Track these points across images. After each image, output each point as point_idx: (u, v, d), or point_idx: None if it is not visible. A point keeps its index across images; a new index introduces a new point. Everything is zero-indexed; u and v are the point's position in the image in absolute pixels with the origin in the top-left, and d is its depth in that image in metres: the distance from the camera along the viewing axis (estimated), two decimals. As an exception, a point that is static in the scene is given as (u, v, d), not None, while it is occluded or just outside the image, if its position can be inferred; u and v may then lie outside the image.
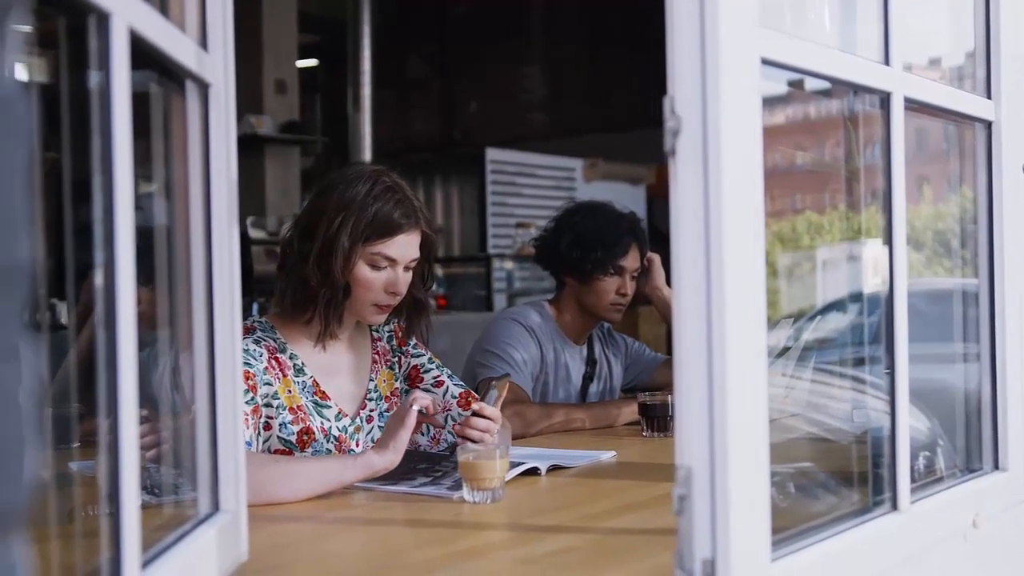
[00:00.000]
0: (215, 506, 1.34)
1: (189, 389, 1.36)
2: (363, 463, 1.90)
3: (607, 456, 2.30)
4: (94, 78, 0.97)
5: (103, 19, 0.95)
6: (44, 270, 0.84)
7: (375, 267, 2.12)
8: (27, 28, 0.62)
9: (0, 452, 0.54)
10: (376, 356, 2.31)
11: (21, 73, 0.59)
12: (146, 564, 1.06)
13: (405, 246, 2.14)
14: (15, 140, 0.57)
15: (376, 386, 2.28)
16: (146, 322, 1.17)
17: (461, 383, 2.35)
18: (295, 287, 2.15)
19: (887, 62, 1.48)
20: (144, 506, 1.03)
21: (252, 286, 5.23)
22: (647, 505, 1.83)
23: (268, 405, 2.08)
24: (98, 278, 0.96)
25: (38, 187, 0.61)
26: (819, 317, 2.54)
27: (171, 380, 1.44)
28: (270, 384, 2.09)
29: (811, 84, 1.51)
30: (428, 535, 1.67)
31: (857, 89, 1.52)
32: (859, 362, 1.95)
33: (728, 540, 1.13)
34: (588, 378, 3.06)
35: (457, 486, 1.87)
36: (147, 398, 1.22)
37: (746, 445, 1.16)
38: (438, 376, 2.34)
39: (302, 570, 1.52)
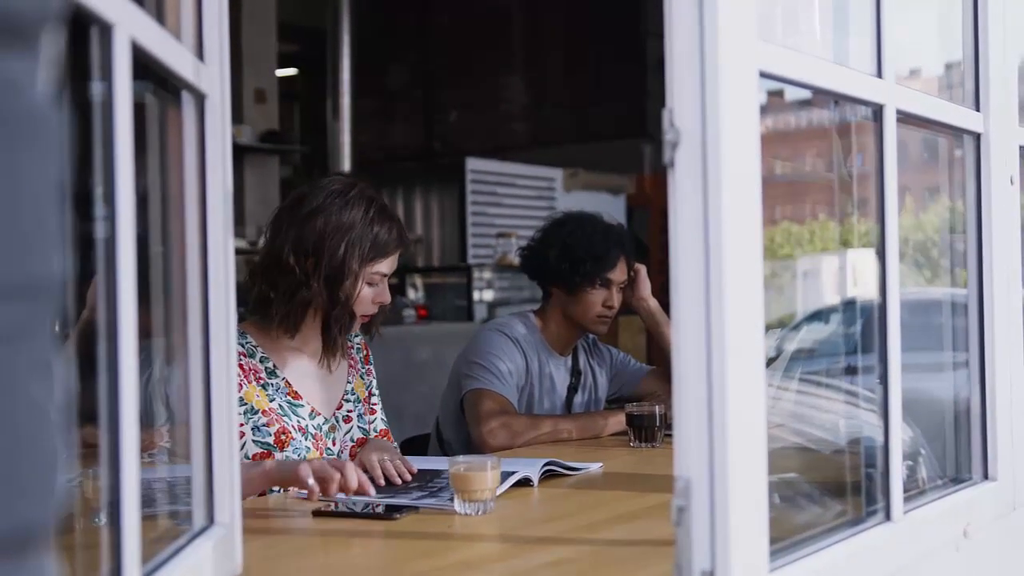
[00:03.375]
0: (210, 519, 1.33)
1: (183, 400, 1.35)
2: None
3: (595, 467, 2.30)
4: (95, 88, 0.96)
5: (106, 30, 0.94)
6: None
7: (371, 284, 2.23)
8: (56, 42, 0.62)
9: (33, 469, 0.53)
10: (351, 362, 2.39)
11: (53, 85, 0.59)
12: (144, 578, 1.05)
13: (396, 261, 2.28)
14: (49, 155, 0.57)
15: (353, 389, 2.36)
16: (139, 333, 1.16)
17: (386, 420, 2.44)
18: (299, 308, 2.19)
19: (879, 75, 1.49)
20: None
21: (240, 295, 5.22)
22: (640, 516, 1.83)
23: None
24: (100, 290, 0.95)
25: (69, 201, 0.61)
26: (801, 327, 2.55)
27: (159, 389, 1.44)
28: None
29: (791, 95, 1.52)
30: (421, 547, 1.66)
31: (851, 101, 1.53)
32: (843, 372, 1.95)
33: (728, 551, 1.13)
34: (573, 389, 3.06)
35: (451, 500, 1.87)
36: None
37: (745, 456, 1.16)
38: (375, 404, 2.44)
39: (295, 583, 1.51)
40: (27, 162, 0.56)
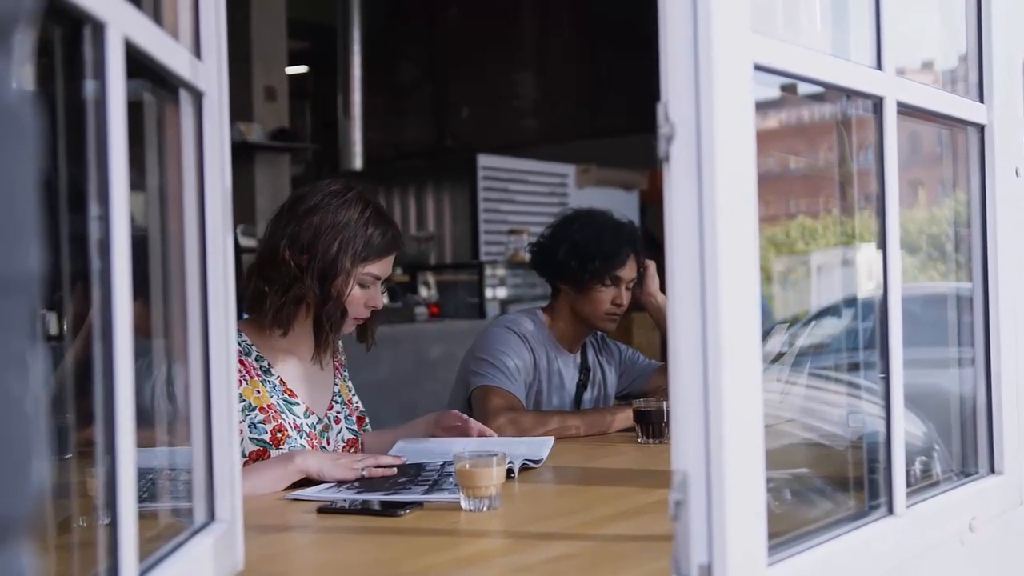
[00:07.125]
0: (211, 515, 1.34)
1: (183, 399, 1.36)
2: (295, 468, 2.03)
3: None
4: (89, 87, 0.96)
5: (98, 29, 0.95)
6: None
7: (363, 286, 2.26)
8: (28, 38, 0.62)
9: (7, 461, 0.54)
10: (337, 365, 2.43)
11: (27, 83, 0.60)
12: (143, 574, 1.06)
13: (390, 265, 2.30)
14: (22, 150, 0.57)
15: (339, 391, 2.40)
16: (139, 333, 1.17)
17: (354, 429, 2.41)
18: (291, 304, 2.21)
19: (879, 67, 1.48)
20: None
21: (241, 294, 5.23)
22: (644, 511, 1.83)
23: None
24: (94, 289, 0.96)
25: (44, 197, 0.61)
26: (814, 322, 2.54)
27: (165, 391, 1.44)
28: None
29: (803, 88, 1.52)
30: (424, 543, 1.66)
31: (850, 94, 1.52)
32: (854, 367, 1.95)
33: (725, 545, 1.13)
34: (582, 385, 3.06)
35: (458, 490, 1.87)
36: (141, 409, 1.22)
37: (742, 449, 1.16)
38: (341, 412, 2.41)
39: (298, 579, 1.52)
40: (2, 159, 0.56)
